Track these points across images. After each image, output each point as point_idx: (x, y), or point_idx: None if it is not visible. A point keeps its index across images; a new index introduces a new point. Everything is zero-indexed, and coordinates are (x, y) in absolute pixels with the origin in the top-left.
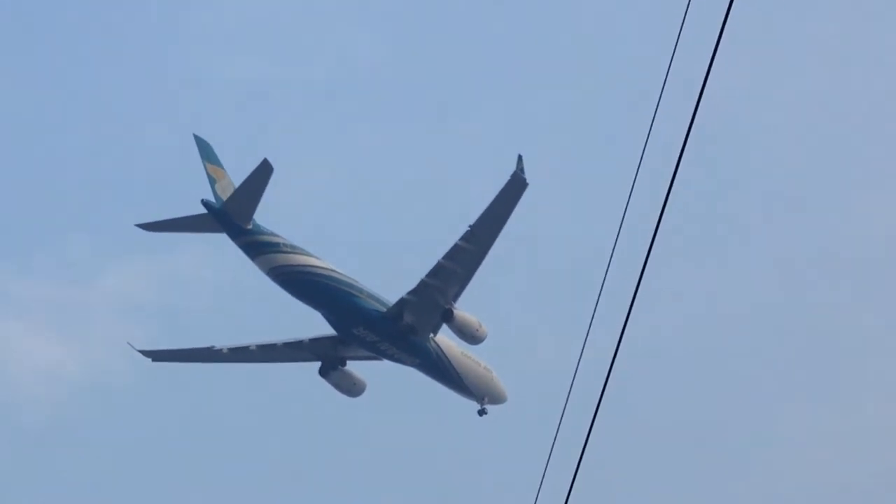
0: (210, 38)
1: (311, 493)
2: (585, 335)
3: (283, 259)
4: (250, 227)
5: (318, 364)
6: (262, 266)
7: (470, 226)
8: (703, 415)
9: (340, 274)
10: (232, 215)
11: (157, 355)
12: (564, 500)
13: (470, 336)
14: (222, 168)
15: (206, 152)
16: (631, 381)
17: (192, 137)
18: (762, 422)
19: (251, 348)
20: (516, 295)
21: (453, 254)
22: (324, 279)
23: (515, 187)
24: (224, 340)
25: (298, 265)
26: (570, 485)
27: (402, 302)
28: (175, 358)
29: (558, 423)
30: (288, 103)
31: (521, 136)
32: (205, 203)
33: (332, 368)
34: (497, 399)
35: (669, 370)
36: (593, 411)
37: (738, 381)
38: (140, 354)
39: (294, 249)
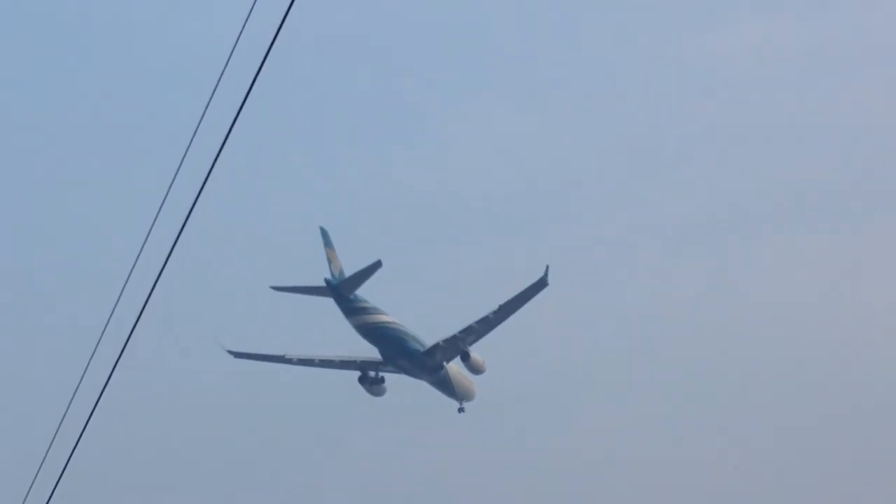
0: None
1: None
2: None
3: (367, 318)
4: (352, 297)
5: (356, 374)
6: (353, 323)
7: (500, 305)
8: None
9: (399, 324)
10: (343, 290)
11: (237, 354)
12: None
13: (476, 370)
14: (335, 251)
15: (326, 239)
16: None
17: (319, 229)
18: None
19: (315, 360)
20: None
21: (482, 321)
22: (389, 330)
23: (539, 287)
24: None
25: (375, 322)
26: None
27: (436, 347)
28: (252, 358)
29: None
30: None
31: None
32: (326, 280)
33: (368, 379)
34: (470, 399)
35: None
36: None
37: None
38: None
39: (375, 311)
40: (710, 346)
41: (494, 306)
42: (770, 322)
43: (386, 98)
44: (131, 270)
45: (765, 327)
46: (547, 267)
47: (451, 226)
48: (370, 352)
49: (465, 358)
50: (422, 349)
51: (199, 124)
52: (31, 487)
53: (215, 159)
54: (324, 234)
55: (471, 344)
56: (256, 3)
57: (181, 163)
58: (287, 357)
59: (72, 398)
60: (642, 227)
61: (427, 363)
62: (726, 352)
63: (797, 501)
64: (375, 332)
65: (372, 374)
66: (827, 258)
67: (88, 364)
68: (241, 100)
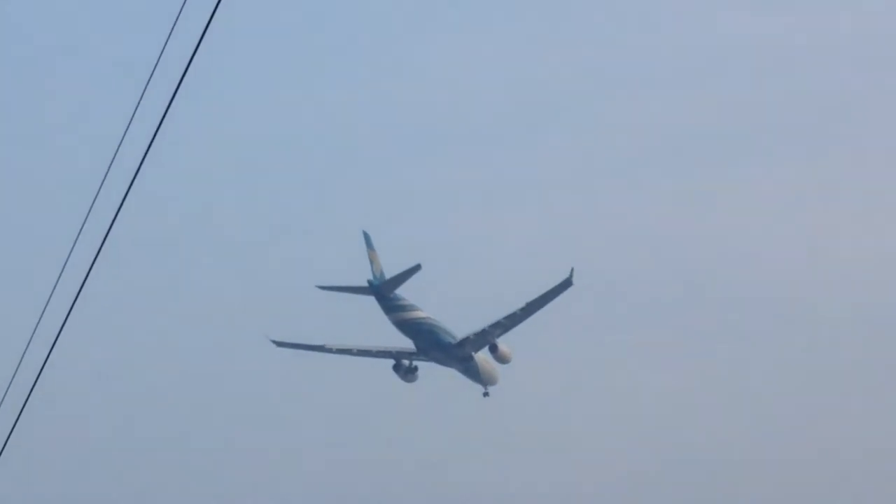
0: None
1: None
2: None
3: (404, 315)
4: (391, 295)
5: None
6: (391, 319)
7: (527, 303)
8: None
9: (433, 319)
10: (383, 290)
11: (280, 343)
12: None
13: (503, 360)
14: (376, 252)
15: (368, 242)
16: None
17: (362, 233)
18: None
19: (353, 349)
20: None
21: (509, 316)
22: (424, 325)
23: (564, 287)
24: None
25: (412, 318)
26: None
27: (466, 339)
28: (294, 347)
29: None
30: None
31: None
32: (369, 282)
33: (402, 368)
34: (494, 383)
35: None
36: None
37: None
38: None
39: (412, 307)
40: (682, 272)
41: (522, 304)
42: (737, 249)
43: None
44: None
45: (732, 255)
46: (572, 269)
47: None
48: (404, 343)
49: (494, 349)
50: (454, 341)
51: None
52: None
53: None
54: (366, 237)
55: (498, 336)
56: None
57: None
58: (327, 346)
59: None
60: (608, 152)
61: (458, 354)
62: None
63: (753, 431)
64: (412, 327)
65: (406, 362)
66: (792, 189)
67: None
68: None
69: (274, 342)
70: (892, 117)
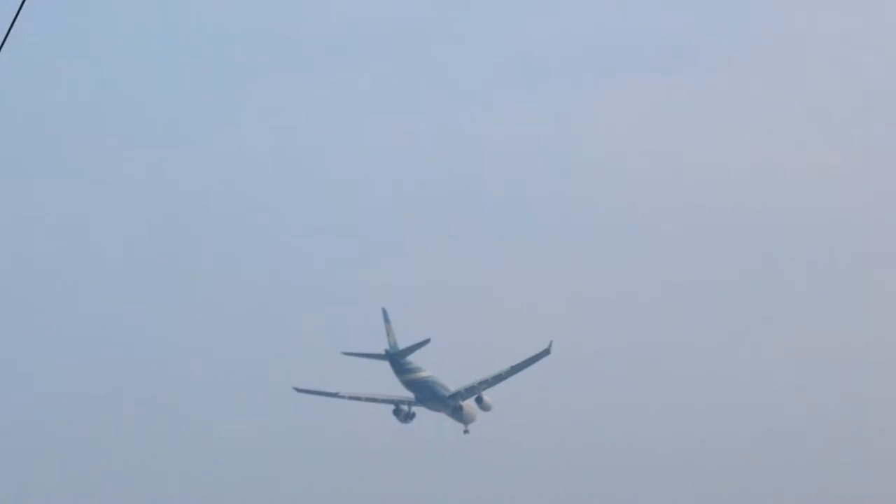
0: None
1: None
2: None
3: (411, 375)
4: (402, 361)
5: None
6: (400, 379)
7: (511, 366)
8: None
9: (433, 377)
10: (397, 358)
11: (300, 390)
12: None
13: (486, 409)
14: (392, 326)
15: (386, 317)
16: None
17: (381, 310)
18: None
19: (361, 397)
20: None
21: (495, 376)
22: (426, 382)
23: (543, 355)
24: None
25: (417, 378)
26: None
27: (458, 392)
28: (313, 393)
29: None
30: None
31: None
32: (386, 351)
33: (401, 413)
34: (473, 422)
35: None
36: None
37: None
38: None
39: (418, 369)
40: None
41: (506, 366)
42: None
43: None
44: None
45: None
46: (551, 342)
47: None
48: (405, 393)
49: (479, 400)
50: (448, 394)
51: None
52: None
53: None
54: (384, 313)
55: (484, 390)
56: None
57: None
58: (340, 394)
59: None
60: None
61: (451, 404)
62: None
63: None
64: (416, 384)
65: (405, 408)
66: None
67: None
68: None
69: (295, 389)
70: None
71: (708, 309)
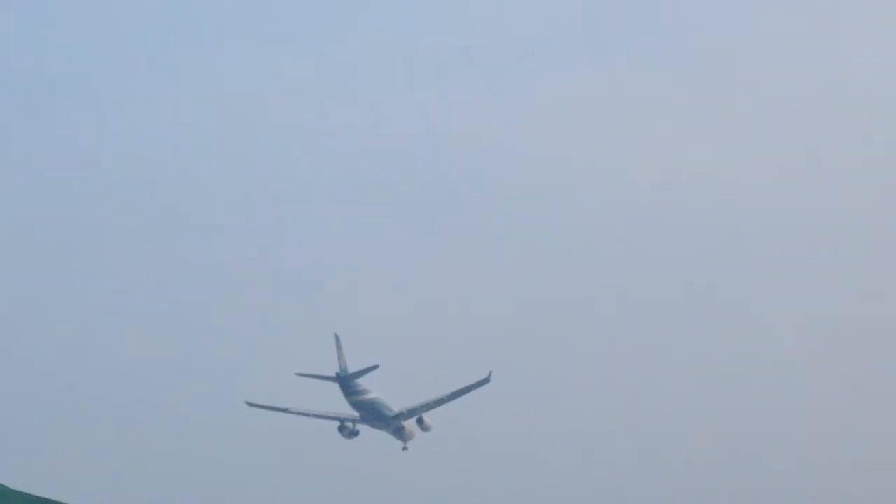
0: None
1: None
2: None
3: (358, 397)
4: (351, 383)
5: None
6: (348, 400)
7: (452, 392)
8: None
9: (379, 399)
10: (347, 381)
11: (251, 404)
12: None
13: (426, 429)
14: (343, 351)
15: (338, 342)
16: None
17: (334, 336)
18: None
19: (309, 413)
20: None
21: (437, 400)
22: (372, 404)
23: (482, 384)
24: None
25: (362, 399)
26: None
27: (401, 413)
28: (263, 408)
29: None
30: None
31: None
32: (337, 374)
33: (346, 430)
34: (412, 439)
35: None
36: None
37: None
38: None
39: (365, 391)
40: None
41: (448, 392)
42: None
43: None
44: None
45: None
46: (490, 372)
47: None
48: (351, 412)
49: (420, 421)
50: (391, 414)
51: None
52: None
53: None
54: (336, 338)
55: (425, 412)
56: None
57: None
58: (290, 409)
59: None
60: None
61: (394, 424)
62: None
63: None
64: (362, 404)
65: (350, 425)
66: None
67: None
68: None
69: (248, 403)
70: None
71: (661, 310)
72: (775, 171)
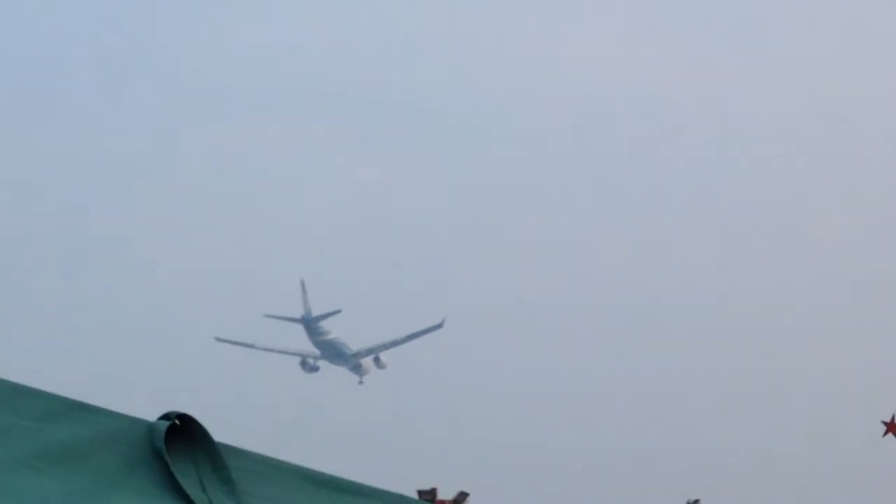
0: None
1: None
2: None
3: (319, 337)
4: (314, 325)
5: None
6: (311, 340)
7: (407, 335)
8: None
9: (339, 339)
10: (311, 322)
11: (220, 339)
12: None
13: (382, 367)
14: (307, 296)
15: (303, 288)
16: None
17: (300, 282)
18: None
19: (273, 349)
20: None
21: (392, 342)
22: (332, 343)
23: (436, 328)
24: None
25: (325, 339)
26: None
27: (359, 352)
28: (231, 342)
29: None
30: None
31: None
32: (302, 316)
33: (307, 365)
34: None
35: None
36: None
37: None
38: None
39: (326, 332)
40: None
41: (403, 335)
42: None
43: None
44: None
45: None
46: (444, 318)
47: None
48: (313, 350)
49: (377, 360)
50: (350, 353)
51: None
52: None
53: None
54: (302, 284)
55: (381, 352)
56: None
57: None
58: (255, 345)
59: None
60: None
61: (351, 360)
62: None
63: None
64: (324, 344)
65: (311, 361)
66: None
67: None
68: None
69: (216, 338)
70: None
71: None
72: None
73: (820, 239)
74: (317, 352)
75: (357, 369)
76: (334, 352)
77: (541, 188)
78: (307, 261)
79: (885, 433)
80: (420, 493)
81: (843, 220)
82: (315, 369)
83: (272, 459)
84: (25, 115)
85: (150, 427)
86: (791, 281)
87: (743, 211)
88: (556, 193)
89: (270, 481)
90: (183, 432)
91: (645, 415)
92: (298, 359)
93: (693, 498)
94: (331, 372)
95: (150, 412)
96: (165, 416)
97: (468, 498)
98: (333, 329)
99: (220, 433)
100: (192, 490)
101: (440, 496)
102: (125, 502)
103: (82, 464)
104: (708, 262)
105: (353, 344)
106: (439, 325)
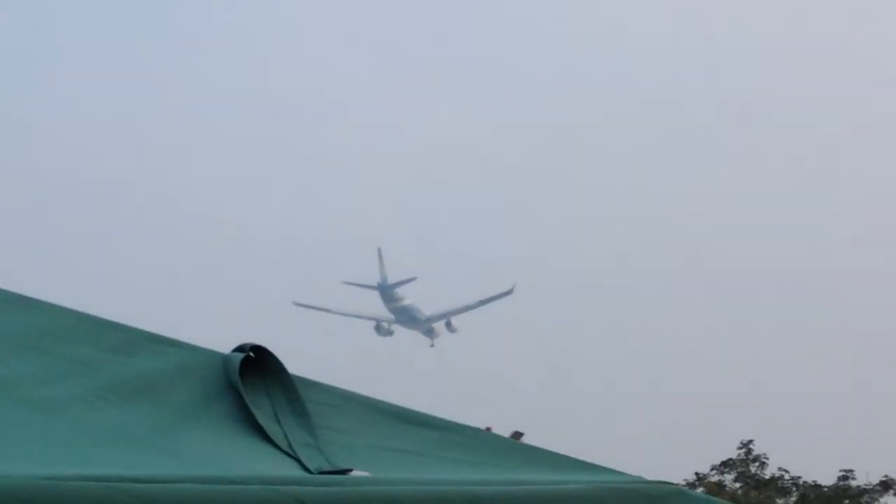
0: None
1: None
2: None
3: (394, 304)
4: (390, 292)
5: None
6: (387, 306)
7: (478, 300)
8: None
9: (413, 304)
10: (386, 290)
11: (298, 304)
12: None
13: (453, 331)
14: (384, 264)
15: (380, 255)
16: None
17: (377, 250)
18: None
19: (349, 314)
20: None
21: (464, 307)
22: (406, 308)
23: (506, 294)
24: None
25: (399, 305)
26: None
27: (431, 317)
28: (309, 307)
29: None
30: None
31: None
32: (378, 283)
33: (382, 329)
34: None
35: None
36: None
37: None
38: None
39: (400, 298)
40: None
41: (474, 301)
42: None
43: None
44: None
45: None
46: (514, 283)
47: None
48: (387, 315)
49: (448, 324)
50: (423, 318)
51: None
52: None
53: None
54: (379, 252)
55: (453, 316)
56: None
57: None
58: (331, 310)
59: None
60: None
61: (424, 325)
62: None
63: None
64: (399, 309)
65: (385, 325)
66: None
67: None
68: None
69: (294, 303)
70: None
71: None
72: None
73: None
74: (391, 317)
75: (430, 333)
76: (408, 316)
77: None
78: (385, 228)
79: None
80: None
81: None
82: (390, 333)
83: (347, 392)
84: None
85: (224, 359)
86: None
87: None
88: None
89: (345, 413)
90: (257, 364)
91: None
92: (373, 323)
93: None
94: (404, 335)
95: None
96: (240, 349)
97: (522, 437)
98: (409, 295)
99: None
100: (267, 422)
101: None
102: (201, 435)
103: (158, 397)
104: None
105: (427, 309)
106: (510, 292)
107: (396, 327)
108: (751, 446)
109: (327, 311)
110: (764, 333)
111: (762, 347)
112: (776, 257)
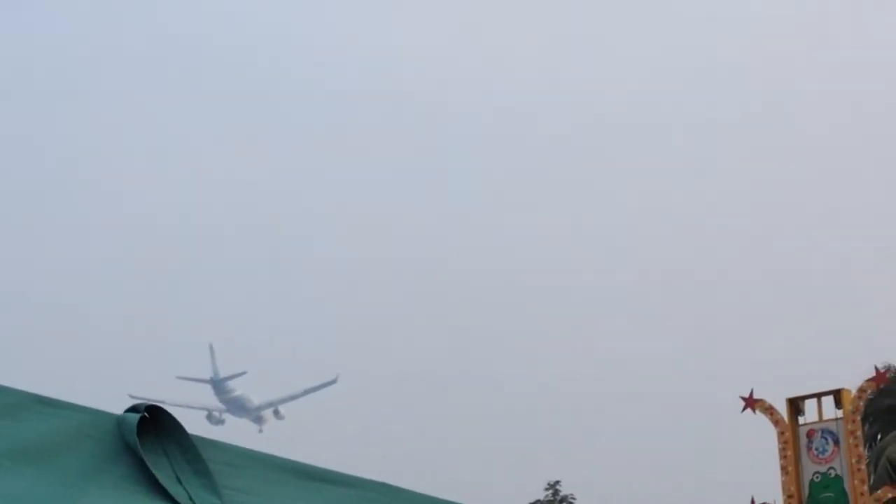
0: None
1: None
2: None
3: (226, 395)
4: (222, 385)
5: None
6: (218, 398)
7: (304, 390)
8: None
9: (243, 395)
10: (218, 384)
11: (133, 396)
12: None
13: (280, 419)
14: (215, 358)
15: (212, 352)
16: None
17: (209, 346)
18: None
19: (182, 404)
20: None
21: (291, 396)
22: (237, 399)
23: (329, 384)
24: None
25: (230, 397)
26: None
27: (260, 406)
28: (145, 400)
29: None
30: None
31: None
32: (211, 378)
33: (213, 419)
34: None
35: None
36: None
37: None
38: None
39: (232, 390)
40: None
41: (300, 390)
42: None
43: None
44: None
45: None
46: (337, 374)
47: None
48: (218, 404)
49: (276, 412)
50: (253, 407)
51: None
52: None
53: None
54: (211, 348)
55: (280, 405)
56: None
57: None
58: (165, 401)
59: None
60: None
61: (253, 413)
62: None
63: None
64: (230, 401)
65: (216, 415)
66: None
67: None
68: None
69: (130, 395)
70: None
71: None
72: None
73: None
74: (222, 406)
75: (258, 420)
76: (238, 406)
77: None
78: (215, 327)
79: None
80: None
81: None
82: (221, 422)
83: (246, 450)
84: None
85: (119, 420)
86: None
87: None
88: None
89: (246, 472)
90: (153, 424)
91: None
92: (205, 413)
93: None
94: (235, 422)
95: None
96: (133, 409)
97: None
98: (239, 387)
99: None
100: (169, 483)
101: None
102: (98, 499)
103: (51, 460)
104: None
105: (256, 398)
106: (333, 381)
107: (227, 416)
108: (557, 487)
109: (161, 402)
110: None
111: None
112: None
